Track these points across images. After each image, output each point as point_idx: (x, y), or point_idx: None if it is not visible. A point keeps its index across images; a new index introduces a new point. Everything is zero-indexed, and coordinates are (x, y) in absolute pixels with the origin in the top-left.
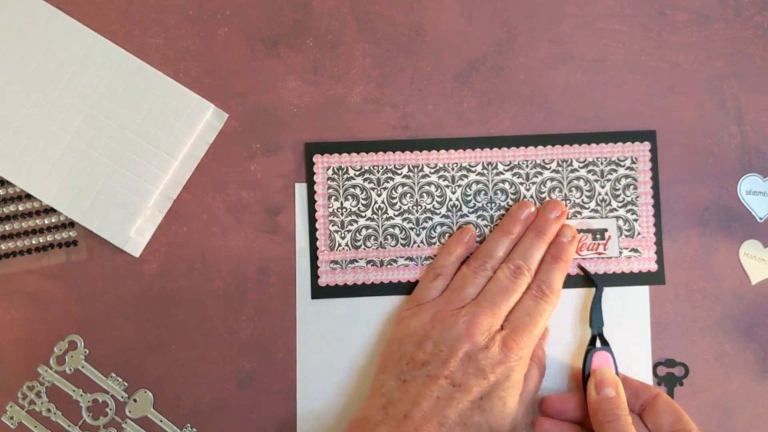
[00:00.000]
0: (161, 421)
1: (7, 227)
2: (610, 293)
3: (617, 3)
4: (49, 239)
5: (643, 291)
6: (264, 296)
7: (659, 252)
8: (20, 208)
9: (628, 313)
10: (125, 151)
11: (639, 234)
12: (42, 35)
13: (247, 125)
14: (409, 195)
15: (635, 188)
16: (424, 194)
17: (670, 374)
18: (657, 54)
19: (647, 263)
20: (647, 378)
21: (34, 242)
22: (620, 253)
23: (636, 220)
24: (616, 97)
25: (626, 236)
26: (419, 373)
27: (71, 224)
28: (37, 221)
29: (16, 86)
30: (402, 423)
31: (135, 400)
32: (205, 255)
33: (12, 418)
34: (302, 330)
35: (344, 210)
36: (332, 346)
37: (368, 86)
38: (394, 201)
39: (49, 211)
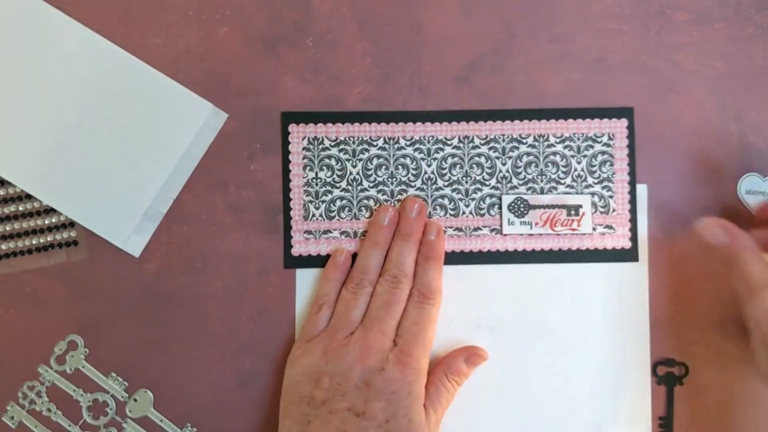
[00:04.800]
0: (161, 420)
1: (7, 227)
2: (609, 291)
3: (617, 3)
4: (49, 239)
5: (642, 289)
6: (264, 296)
7: (633, 229)
8: (20, 208)
9: (627, 312)
10: (125, 151)
11: (614, 211)
12: (42, 35)
13: (247, 125)
14: (384, 167)
15: (611, 165)
16: (400, 166)
17: (669, 374)
18: (657, 54)
19: (621, 240)
20: (646, 378)
21: (34, 242)
22: (594, 229)
23: (611, 197)
24: (615, 97)
25: (601, 212)
26: (321, 411)
27: (71, 224)
28: (37, 221)
29: (15, 86)
30: None
31: (135, 400)
32: (205, 255)
33: (12, 417)
34: None
35: (319, 180)
36: None
37: (368, 86)
38: (369, 173)
39: (49, 211)
